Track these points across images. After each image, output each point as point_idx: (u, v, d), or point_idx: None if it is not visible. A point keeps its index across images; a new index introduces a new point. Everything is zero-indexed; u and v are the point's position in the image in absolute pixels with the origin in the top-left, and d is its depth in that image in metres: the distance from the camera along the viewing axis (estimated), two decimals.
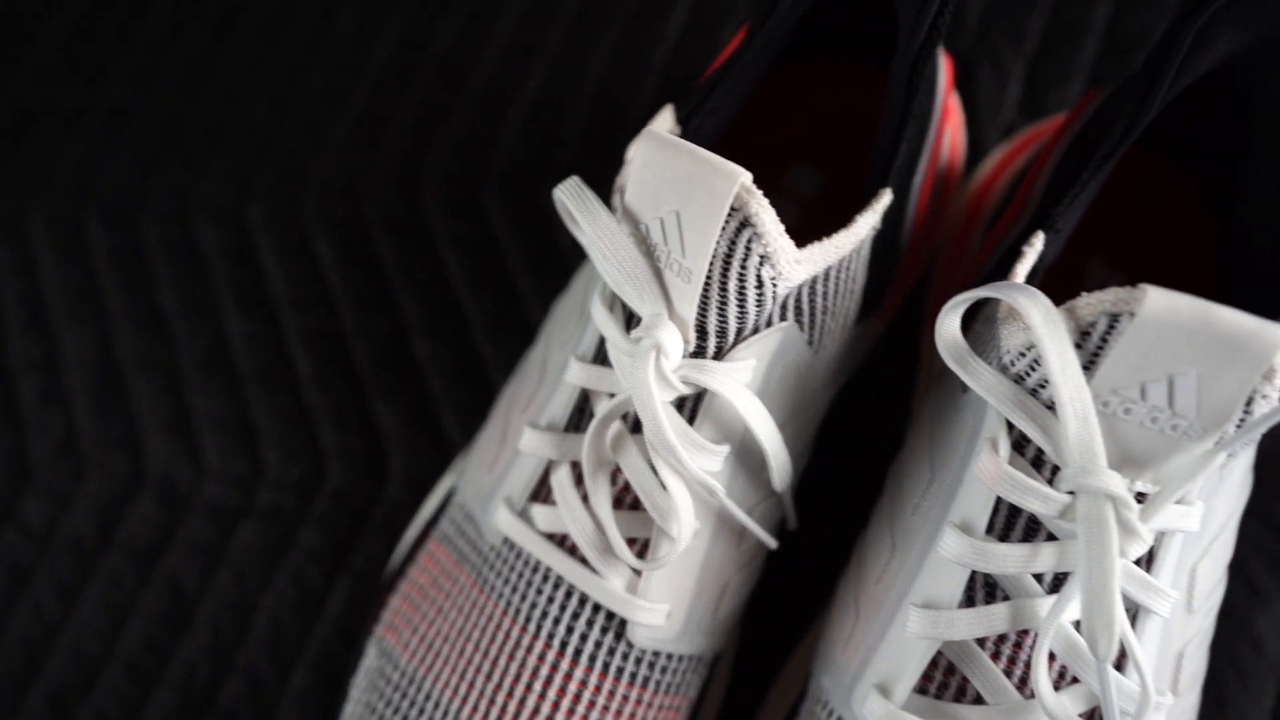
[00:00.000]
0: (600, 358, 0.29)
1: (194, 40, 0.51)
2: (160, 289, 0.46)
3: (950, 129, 0.37)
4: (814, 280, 0.27)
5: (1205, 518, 0.27)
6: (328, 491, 0.42)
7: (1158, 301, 0.22)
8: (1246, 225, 0.29)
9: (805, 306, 0.28)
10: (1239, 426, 0.23)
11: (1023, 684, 0.26)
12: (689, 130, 0.31)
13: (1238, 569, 0.36)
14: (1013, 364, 0.24)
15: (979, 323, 0.30)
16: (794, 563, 0.37)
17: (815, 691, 0.30)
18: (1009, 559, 0.25)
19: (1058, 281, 0.36)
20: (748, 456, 0.29)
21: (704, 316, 0.25)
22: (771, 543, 0.29)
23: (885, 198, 0.28)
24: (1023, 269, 0.27)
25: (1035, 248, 0.27)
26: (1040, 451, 0.25)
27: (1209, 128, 0.32)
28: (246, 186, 0.48)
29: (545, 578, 0.29)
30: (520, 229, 0.45)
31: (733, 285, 0.25)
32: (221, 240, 0.47)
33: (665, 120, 0.31)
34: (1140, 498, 0.24)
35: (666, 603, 0.29)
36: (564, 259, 0.44)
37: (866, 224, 0.27)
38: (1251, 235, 0.28)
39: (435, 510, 0.36)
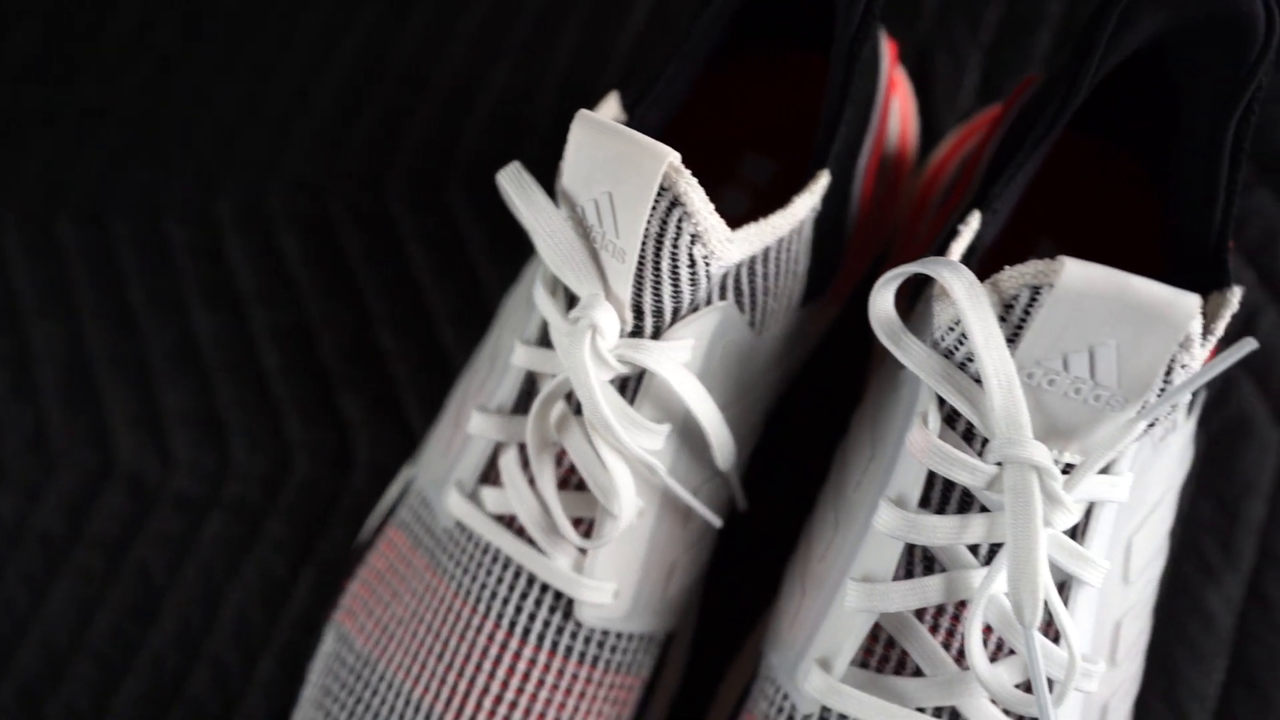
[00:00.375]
0: (544, 340, 0.29)
1: (163, 41, 0.52)
2: (129, 285, 0.47)
3: (900, 114, 0.37)
4: (752, 261, 0.28)
5: (1141, 490, 0.28)
6: (294, 483, 0.42)
7: (1074, 273, 0.22)
8: (1179, 204, 0.29)
9: (745, 287, 0.28)
10: (1160, 395, 0.23)
11: (961, 656, 0.26)
12: (634, 118, 0.31)
13: (1190, 548, 0.37)
14: (943, 339, 0.25)
15: (921, 302, 0.30)
16: (754, 545, 0.38)
17: (765, 669, 0.31)
18: (939, 530, 0.25)
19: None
20: (691, 436, 0.29)
21: (639, 296, 0.26)
22: (716, 521, 0.30)
23: (822, 179, 0.28)
24: (958, 248, 0.27)
25: (971, 227, 0.28)
26: (971, 425, 0.25)
27: (1146, 111, 0.32)
28: (214, 184, 0.48)
29: (495, 559, 0.30)
30: (484, 222, 0.45)
31: (665, 264, 0.25)
32: (190, 237, 0.47)
33: (611, 107, 0.31)
34: (1069, 469, 0.25)
35: (613, 582, 0.29)
36: (527, 251, 0.44)
37: (804, 205, 0.28)
38: (1183, 214, 0.29)
39: (396, 498, 0.36)
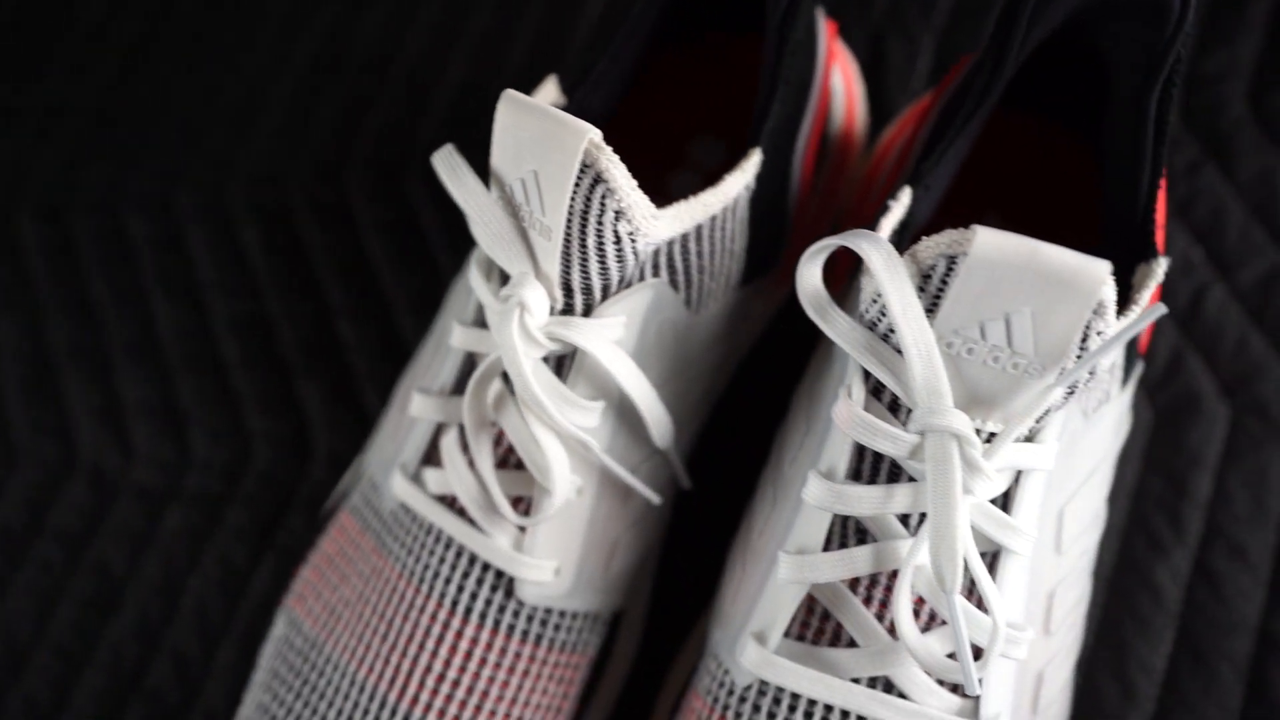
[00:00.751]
0: (481, 321, 0.29)
1: (123, 36, 0.52)
2: (90, 279, 0.47)
3: (845, 96, 0.37)
4: (685, 239, 0.28)
5: (1072, 461, 0.28)
6: (254, 473, 0.42)
7: (986, 241, 0.22)
8: (1110, 178, 0.30)
9: (679, 265, 0.28)
10: (1078, 361, 0.24)
11: (895, 627, 0.27)
12: (574, 101, 0.32)
13: (1138, 522, 0.37)
14: (866, 311, 0.25)
15: (857, 278, 0.30)
16: (710, 526, 0.38)
17: (710, 646, 0.31)
18: (864, 500, 0.25)
19: None
20: (628, 414, 0.29)
21: (568, 273, 0.26)
22: (655, 498, 0.30)
23: (754, 158, 0.29)
24: (888, 224, 0.27)
25: (902, 203, 0.28)
26: (897, 397, 0.25)
27: (1082, 87, 0.33)
28: (175, 177, 0.48)
29: (437, 539, 0.30)
30: (443, 212, 0.46)
31: (591, 241, 0.25)
32: (151, 230, 0.47)
33: (549, 91, 0.32)
34: (993, 439, 0.25)
35: (554, 560, 0.29)
36: None
37: (735, 184, 0.28)
38: (1114, 187, 0.29)
39: (349, 484, 0.36)
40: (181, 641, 0.40)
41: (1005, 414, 0.24)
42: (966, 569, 0.25)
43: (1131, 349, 0.30)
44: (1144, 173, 0.28)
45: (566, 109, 0.31)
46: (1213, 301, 0.39)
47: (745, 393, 0.39)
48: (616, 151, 0.37)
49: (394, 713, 0.29)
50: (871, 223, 0.36)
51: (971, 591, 0.27)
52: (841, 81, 0.37)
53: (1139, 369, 0.32)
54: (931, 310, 0.24)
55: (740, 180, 0.28)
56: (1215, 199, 0.41)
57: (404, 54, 0.49)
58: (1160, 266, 0.27)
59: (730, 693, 0.28)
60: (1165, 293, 0.40)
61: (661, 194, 0.39)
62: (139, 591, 0.41)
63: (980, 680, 0.26)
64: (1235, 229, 0.40)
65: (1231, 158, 0.41)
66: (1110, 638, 0.36)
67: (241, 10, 0.52)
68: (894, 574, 0.27)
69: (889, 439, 0.25)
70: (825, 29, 0.34)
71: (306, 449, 0.42)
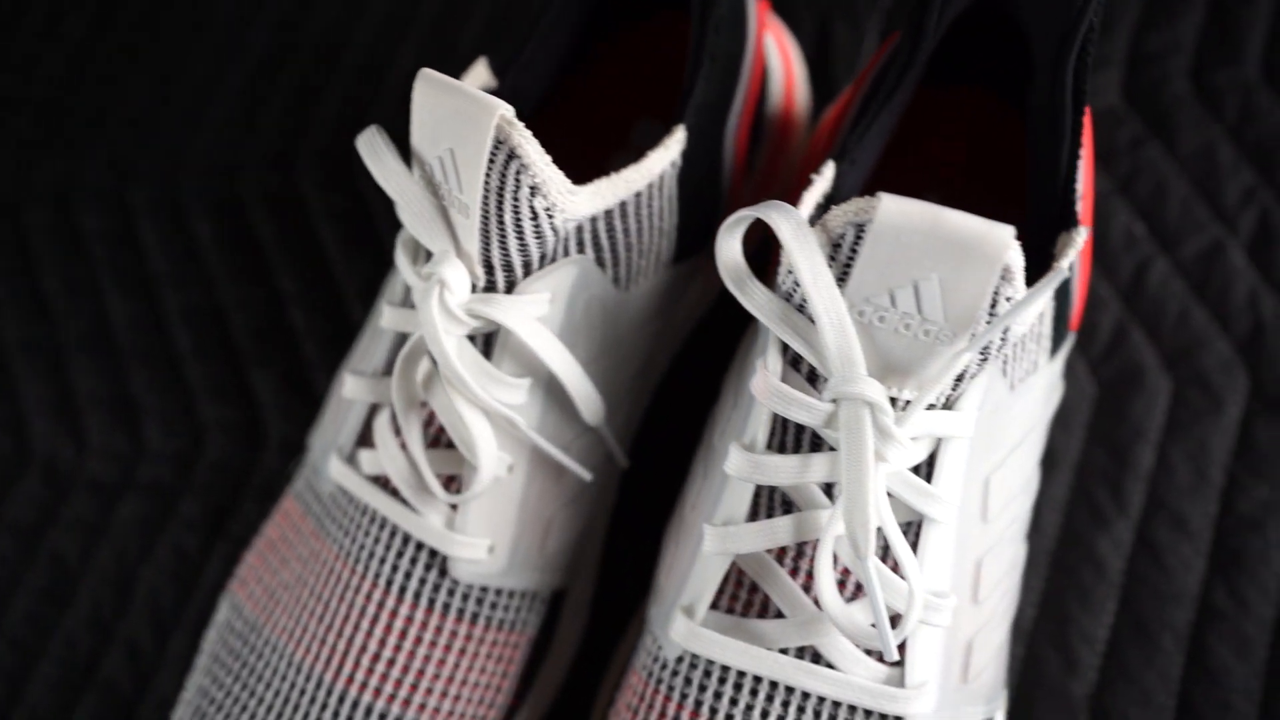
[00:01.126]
0: (409, 301, 0.30)
1: (74, 29, 0.52)
2: (43, 273, 0.47)
3: (782, 75, 0.37)
4: (609, 216, 0.28)
5: (997, 430, 0.28)
6: (206, 462, 0.42)
7: (890, 208, 0.23)
8: (1033, 148, 0.30)
9: (605, 242, 0.28)
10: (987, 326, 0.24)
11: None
12: (505, 84, 0.32)
13: (1081, 494, 0.37)
14: (783, 283, 0.25)
15: None
16: (662, 506, 0.38)
17: (648, 623, 0.31)
18: (781, 470, 0.25)
19: None
20: (558, 392, 0.29)
21: (487, 250, 0.26)
22: (585, 475, 0.30)
23: (678, 135, 0.29)
24: (810, 198, 0.27)
25: (825, 177, 0.28)
26: (815, 367, 0.25)
27: (1013, 59, 0.33)
28: (127, 170, 0.48)
29: (372, 519, 0.30)
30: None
31: (509, 218, 0.25)
32: (103, 223, 0.47)
33: (479, 73, 0.32)
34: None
35: (487, 538, 0.30)
36: None
37: (658, 160, 0.28)
38: (1037, 156, 0.29)
39: (294, 469, 0.36)
40: (134, 631, 0.40)
41: (919, 381, 0.25)
42: (882, 536, 0.26)
43: (1061, 321, 0.31)
44: (1064, 142, 0.28)
45: (498, 91, 0.32)
46: (1155, 276, 0.39)
47: (693, 376, 0.39)
48: (559, 135, 0.37)
49: (330, 693, 0.30)
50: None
51: (898, 564, 0.27)
52: (779, 61, 0.37)
53: (1070, 340, 0.32)
54: (842, 279, 0.24)
55: (664, 157, 0.28)
56: (1157, 174, 0.41)
57: (354, 43, 0.49)
58: (1080, 236, 0.27)
59: (663, 666, 0.29)
60: (1108, 268, 0.40)
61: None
62: (92, 583, 0.41)
63: (902, 647, 0.26)
64: (1177, 204, 0.40)
65: (1173, 134, 0.41)
66: (1052, 609, 0.36)
67: (190, 4, 0.52)
68: (818, 545, 0.27)
69: (804, 408, 0.25)
70: (755, 5, 0.34)
71: (259, 437, 0.43)
